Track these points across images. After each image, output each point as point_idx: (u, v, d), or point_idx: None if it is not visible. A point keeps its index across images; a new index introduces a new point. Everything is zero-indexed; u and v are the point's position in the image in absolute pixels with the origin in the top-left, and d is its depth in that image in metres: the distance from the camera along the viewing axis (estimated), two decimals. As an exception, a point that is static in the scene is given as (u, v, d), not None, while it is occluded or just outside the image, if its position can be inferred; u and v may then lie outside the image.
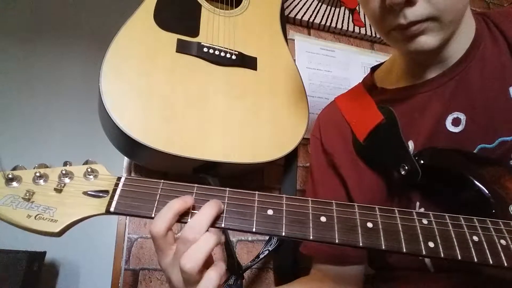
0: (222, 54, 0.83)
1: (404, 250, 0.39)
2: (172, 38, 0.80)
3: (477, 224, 0.42)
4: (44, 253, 1.57)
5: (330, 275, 0.64)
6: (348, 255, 0.62)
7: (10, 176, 0.39)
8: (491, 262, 0.39)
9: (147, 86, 0.73)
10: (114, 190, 0.40)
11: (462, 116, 0.55)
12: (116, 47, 0.74)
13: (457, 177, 0.51)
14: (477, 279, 0.50)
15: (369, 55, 1.31)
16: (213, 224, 0.39)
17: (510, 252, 0.40)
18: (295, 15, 1.22)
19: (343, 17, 1.29)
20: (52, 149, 1.94)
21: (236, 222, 0.40)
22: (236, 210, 0.40)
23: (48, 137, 2.01)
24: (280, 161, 1.01)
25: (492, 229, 0.41)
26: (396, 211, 0.42)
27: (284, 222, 0.40)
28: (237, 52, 0.85)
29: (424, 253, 0.39)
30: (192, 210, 0.40)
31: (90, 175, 0.41)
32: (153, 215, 0.39)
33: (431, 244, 0.39)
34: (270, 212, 0.40)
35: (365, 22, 1.31)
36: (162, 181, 0.41)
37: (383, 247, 0.39)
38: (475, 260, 0.39)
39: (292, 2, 1.22)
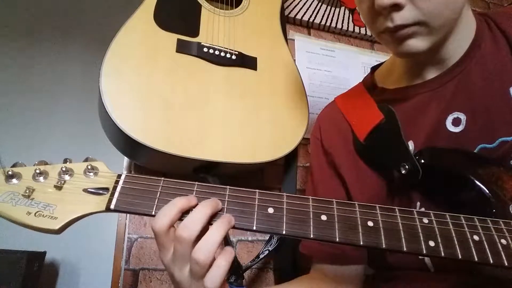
0: (222, 54, 0.83)
1: (405, 249, 0.39)
2: (172, 38, 0.80)
3: (477, 223, 0.42)
4: (44, 253, 1.56)
5: (330, 275, 0.64)
6: (348, 254, 0.62)
7: (10, 173, 0.39)
8: (491, 262, 0.39)
9: (147, 86, 0.73)
10: (115, 188, 0.40)
11: (462, 116, 0.55)
12: (116, 47, 0.74)
13: (458, 176, 0.51)
14: (477, 279, 0.49)
15: (369, 55, 1.31)
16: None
17: (510, 252, 0.40)
18: (295, 15, 1.22)
19: (343, 17, 1.29)
20: (52, 149, 1.94)
21: (237, 220, 0.40)
22: (236, 208, 0.40)
23: (48, 137, 2.01)
24: (280, 161, 1.01)
25: (492, 228, 0.41)
26: (396, 210, 0.42)
27: (284, 220, 0.40)
28: (237, 52, 0.85)
29: (424, 252, 0.39)
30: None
31: (90, 172, 0.41)
32: (153, 213, 0.39)
33: (431, 243, 0.39)
34: (270, 210, 0.40)
35: (365, 22, 1.31)
36: (163, 178, 0.41)
37: (384, 246, 0.39)
38: (476, 259, 0.39)
39: (292, 2, 1.23)
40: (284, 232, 0.39)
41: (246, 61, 0.86)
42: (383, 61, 0.73)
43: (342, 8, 1.30)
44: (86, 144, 1.86)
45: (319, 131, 0.73)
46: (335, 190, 0.66)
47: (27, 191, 0.38)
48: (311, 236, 0.39)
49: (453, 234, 0.40)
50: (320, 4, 1.27)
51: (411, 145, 0.57)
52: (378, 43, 1.35)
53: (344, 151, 0.66)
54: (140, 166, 0.91)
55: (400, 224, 0.40)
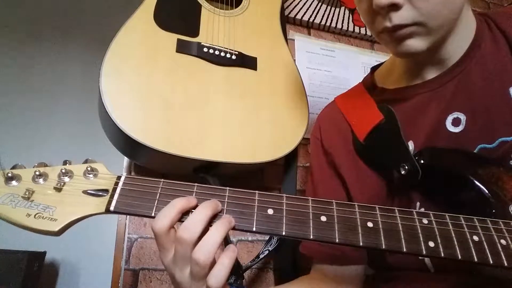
0: (222, 54, 0.83)
1: (404, 250, 0.39)
2: (172, 38, 0.80)
3: (477, 224, 0.42)
4: (44, 253, 1.56)
5: (330, 275, 0.64)
6: (348, 255, 0.62)
7: (9, 174, 0.39)
8: (491, 262, 0.39)
9: (147, 86, 0.73)
10: (114, 189, 0.40)
11: (462, 116, 0.55)
12: (116, 47, 0.74)
13: (458, 177, 0.51)
14: (477, 279, 0.49)
15: (369, 55, 1.31)
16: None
17: (510, 252, 0.40)
18: (295, 15, 1.22)
19: (343, 17, 1.29)
20: (52, 149, 1.95)
21: (236, 221, 0.40)
22: (236, 209, 0.40)
23: (48, 137, 2.01)
24: (280, 161, 1.01)
25: (492, 229, 0.41)
26: (396, 210, 0.42)
27: (284, 221, 0.40)
28: (237, 52, 0.85)
29: (424, 252, 0.39)
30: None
31: (90, 174, 0.41)
32: (153, 214, 0.39)
33: (431, 244, 0.39)
34: (270, 211, 0.40)
35: (365, 22, 1.31)
36: (162, 180, 0.41)
37: (384, 247, 0.39)
38: (475, 259, 0.39)
39: (292, 2, 1.22)
40: (283, 233, 0.39)
41: (246, 61, 0.86)
42: (383, 61, 0.73)
43: (342, 8, 1.30)
44: (86, 144, 1.86)
45: (319, 131, 0.73)
46: (335, 190, 0.66)
47: (27, 193, 0.38)
48: (311, 237, 0.39)
49: (453, 235, 0.40)
50: (320, 4, 1.27)
51: (411, 145, 0.57)
52: (378, 43, 1.35)
53: (344, 151, 0.66)
54: (140, 166, 0.91)
55: (399, 225, 0.40)
